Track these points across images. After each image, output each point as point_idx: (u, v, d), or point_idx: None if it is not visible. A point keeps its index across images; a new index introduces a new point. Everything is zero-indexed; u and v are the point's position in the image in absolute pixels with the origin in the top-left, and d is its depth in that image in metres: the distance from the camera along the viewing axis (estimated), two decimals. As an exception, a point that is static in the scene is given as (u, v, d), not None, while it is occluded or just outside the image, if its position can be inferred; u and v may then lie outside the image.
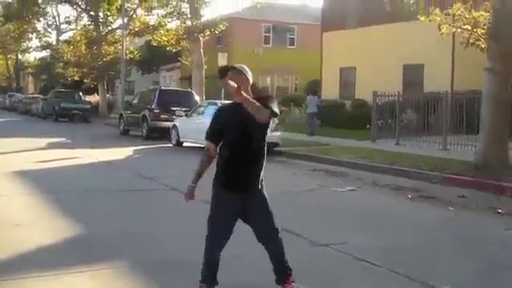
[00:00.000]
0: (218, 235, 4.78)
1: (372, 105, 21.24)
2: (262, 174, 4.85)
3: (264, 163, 4.83)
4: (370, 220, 8.75)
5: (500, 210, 9.40)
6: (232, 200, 4.74)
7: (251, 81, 4.78)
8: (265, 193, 4.87)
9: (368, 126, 21.62)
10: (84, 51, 41.72)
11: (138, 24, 38.70)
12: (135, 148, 19.73)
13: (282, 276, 4.99)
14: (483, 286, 5.72)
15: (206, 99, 25.97)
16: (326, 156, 16.31)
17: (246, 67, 4.79)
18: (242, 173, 4.71)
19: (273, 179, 12.61)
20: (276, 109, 4.60)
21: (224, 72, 4.69)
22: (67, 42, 51.19)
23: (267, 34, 44.83)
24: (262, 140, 4.77)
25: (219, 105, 19.07)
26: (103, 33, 42.18)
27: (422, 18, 14.90)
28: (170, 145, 21.02)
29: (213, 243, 4.79)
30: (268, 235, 4.90)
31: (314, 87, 31.75)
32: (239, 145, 4.69)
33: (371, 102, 21.41)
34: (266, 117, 4.47)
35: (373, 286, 5.65)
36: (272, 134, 17.83)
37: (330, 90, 30.69)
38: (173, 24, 35.04)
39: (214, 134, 4.80)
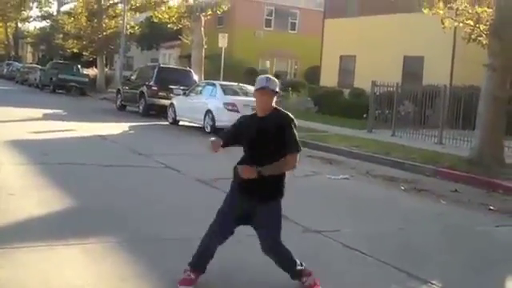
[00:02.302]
0: (221, 228, 4.83)
1: (370, 94, 21.21)
2: (283, 184, 4.92)
3: (284, 174, 4.90)
4: (362, 209, 8.79)
5: (492, 207, 9.44)
6: (242, 200, 4.80)
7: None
8: (278, 204, 4.92)
9: (365, 115, 21.61)
10: (84, 24, 41.46)
11: (140, -1, 38.52)
12: (131, 124, 19.70)
13: (293, 274, 5.01)
14: (471, 281, 5.76)
15: (204, 79, 25.92)
16: (322, 143, 16.31)
17: (275, 79, 4.82)
18: (252, 180, 4.68)
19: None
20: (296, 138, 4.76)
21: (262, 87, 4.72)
22: (68, 13, 50.85)
23: (269, 17, 44.60)
24: (284, 149, 4.73)
25: (218, 85, 19.16)
26: (104, 6, 41.83)
27: (426, 11, 14.86)
28: (167, 123, 21.00)
29: (215, 233, 4.84)
30: (266, 247, 4.90)
31: (312, 72, 31.61)
32: (253, 153, 4.78)
33: (369, 91, 21.38)
34: (294, 163, 4.78)
35: (361, 274, 5.69)
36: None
37: (329, 78, 30.62)
38: (175, 1, 34.83)
39: (227, 135, 4.94)
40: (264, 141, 4.73)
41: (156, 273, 5.18)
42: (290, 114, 4.82)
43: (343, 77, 30.31)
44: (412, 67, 25.95)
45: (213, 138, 4.87)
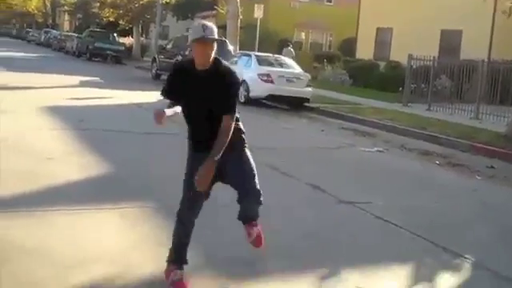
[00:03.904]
0: (193, 197, 4.41)
1: (406, 68, 20.98)
2: (242, 135, 4.41)
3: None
4: (395, 182, 8.77)
5: (527, 183, 9.35)
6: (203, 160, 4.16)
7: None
8: (246, 153, 4.44)
9: (400, 88, 21.41)
10: (121, -8, 41.59)
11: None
12: (166, 93, 19.75)
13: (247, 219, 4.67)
14: (504, 256, 5.73)
15: (239, 49, 25.86)
16: (356, 115, 16.23)
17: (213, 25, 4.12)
18: (206, 134, 4.21)
19: (301, 135, 12.69)
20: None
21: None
22: (105, -19, 50.99)
23: (305, -12, 44.15)
24: (227, 100, 4.15)
25: (253, 55, 19.09)
26: (141, -25, 41.89)
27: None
28: (201, 92, 21.04)
29: (187, 207, 4.45)
30: (245, 196, 4.51)
31: (347, 45, 31.29)
32: (191, 114, 4.34)
33: (405, 64, 21.14)
34: (229, 129, 4.11)
35: (394, 246, 5.69)
36: (303, 90, 17.81)
37: (365, 50, 30.33)
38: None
39: (167, 93, 4.39)
40: (204, 100, 4.17)
41: (192, 238, 5.22)
42: (235, 72, 4.20)
43: (379, 49, 29.97)
44: (450, 41, 25.53)
45: (156, 109, 4.25)
